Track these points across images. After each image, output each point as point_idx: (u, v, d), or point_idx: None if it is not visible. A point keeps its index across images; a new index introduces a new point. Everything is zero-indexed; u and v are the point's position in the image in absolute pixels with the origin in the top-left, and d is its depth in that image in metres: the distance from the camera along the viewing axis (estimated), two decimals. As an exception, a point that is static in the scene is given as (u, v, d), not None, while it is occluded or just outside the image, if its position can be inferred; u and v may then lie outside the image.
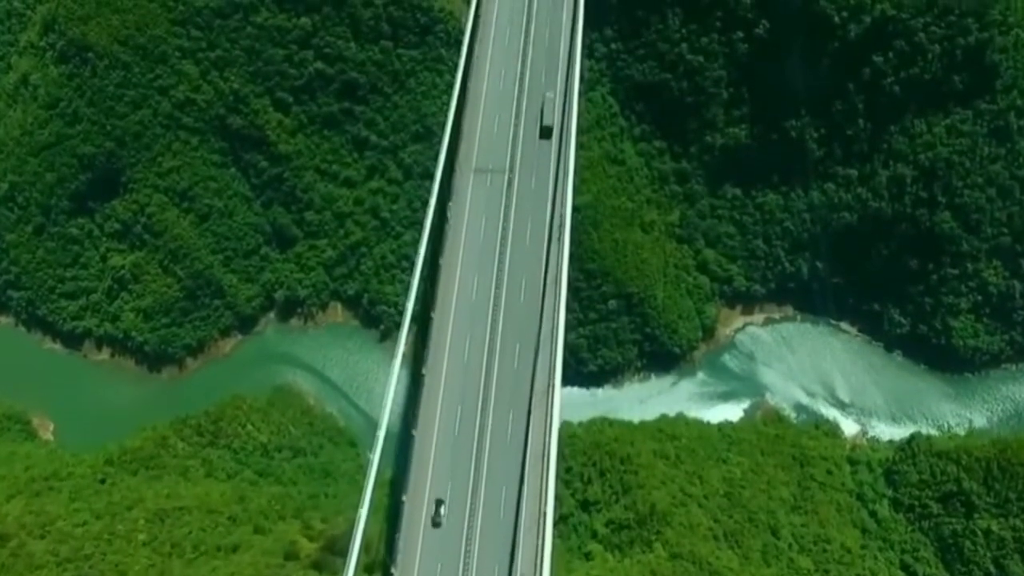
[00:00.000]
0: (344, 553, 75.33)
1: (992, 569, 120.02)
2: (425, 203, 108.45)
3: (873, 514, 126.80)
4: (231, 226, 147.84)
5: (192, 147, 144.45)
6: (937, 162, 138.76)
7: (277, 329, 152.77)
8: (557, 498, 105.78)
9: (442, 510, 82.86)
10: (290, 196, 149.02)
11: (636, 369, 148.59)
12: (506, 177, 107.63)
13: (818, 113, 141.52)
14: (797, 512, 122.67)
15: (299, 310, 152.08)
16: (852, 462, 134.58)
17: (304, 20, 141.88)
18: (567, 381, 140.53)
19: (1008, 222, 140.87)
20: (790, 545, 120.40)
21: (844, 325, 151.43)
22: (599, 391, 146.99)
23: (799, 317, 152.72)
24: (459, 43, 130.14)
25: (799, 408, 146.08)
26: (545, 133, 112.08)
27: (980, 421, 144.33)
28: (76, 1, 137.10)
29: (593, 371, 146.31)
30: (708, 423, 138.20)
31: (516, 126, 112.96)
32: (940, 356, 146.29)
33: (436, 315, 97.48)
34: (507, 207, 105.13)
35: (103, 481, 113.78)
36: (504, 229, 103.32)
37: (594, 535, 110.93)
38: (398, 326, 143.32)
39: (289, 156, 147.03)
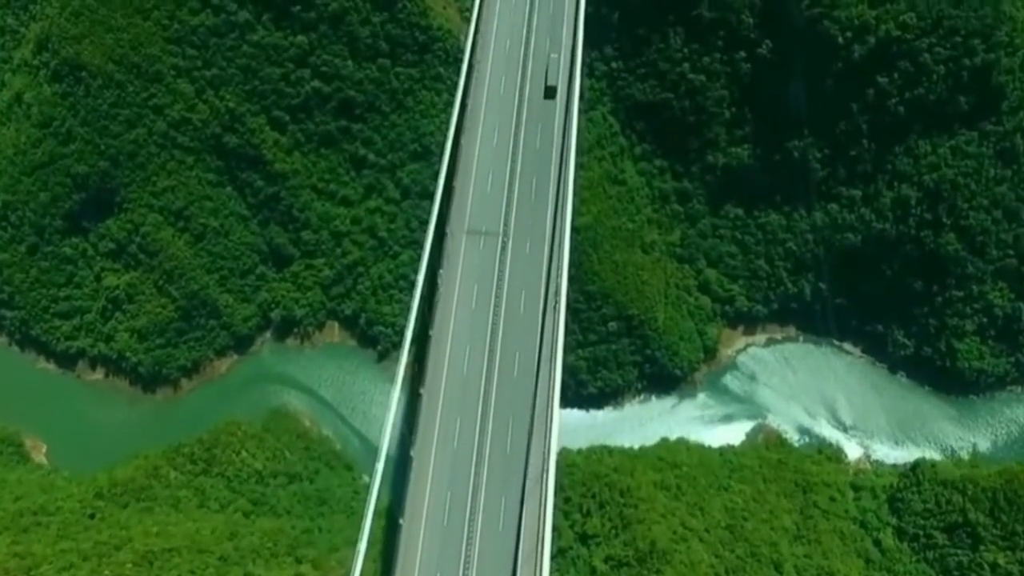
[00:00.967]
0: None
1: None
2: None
3: (877, 543, 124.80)
4: (227, 245, 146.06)
5: (187, 166, 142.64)
6: (942, 183, 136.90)
7: (273, 349, 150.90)
8: (556, 529, 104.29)
9: None
10: (287, 215, 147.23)
11: (637, 391, 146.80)
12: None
13: (821, 133, 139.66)
14: (800, 542, 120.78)
15: (296, 330, 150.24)
16: (855, 488, 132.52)
17: (301, 38, 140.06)
18: (566, 403, 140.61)
19: (1014, 244, 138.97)
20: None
21: (847, 346, 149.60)
22: (599, 413, 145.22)
23: (802, 338, 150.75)
24: (458, 61, 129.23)
25: (801, 430, 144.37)
26: (550, 93, 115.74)
27: (985, 444, 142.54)
28: (70, 20, 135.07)
29: (593, 393, 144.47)
30: (709, 447, 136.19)
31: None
32: (944, 378, 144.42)
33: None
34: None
35: (92, 516, 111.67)
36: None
37: (593, 571, 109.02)
38: (396, 346, 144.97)
39: (286, 175, 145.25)
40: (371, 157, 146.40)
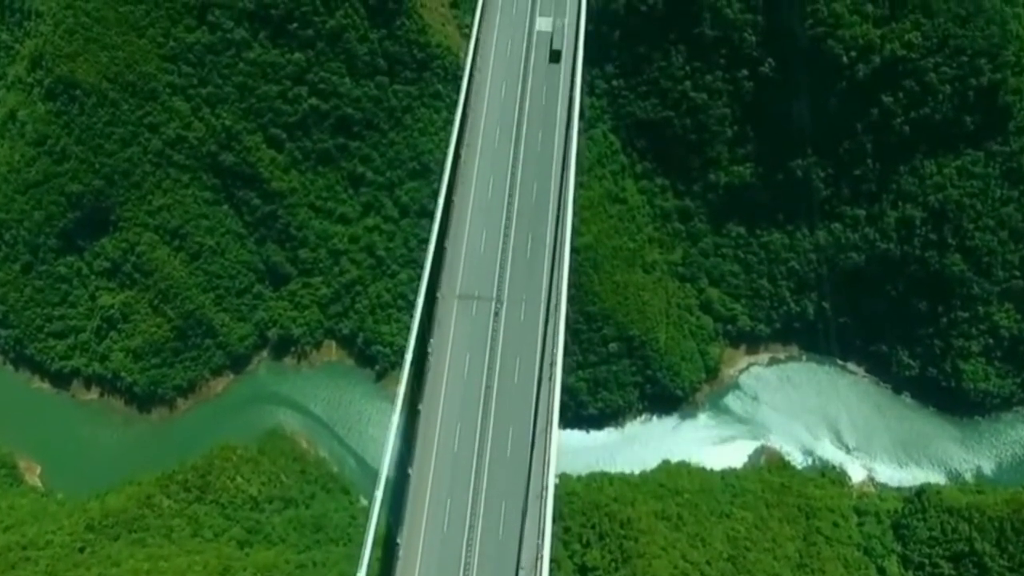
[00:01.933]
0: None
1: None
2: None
3: (882, 571, 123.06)
4: (223, 264, 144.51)
5: (183, 184, 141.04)
6: (947, 204, 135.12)
7: (270, 368, 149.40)
8: (555, 560, 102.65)
9: None
10: (284, 233, 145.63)
11: (638, 412, 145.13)
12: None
13: (825, 152, 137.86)
14: (803, 570, 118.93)
15: (293, 349, 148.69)
16: (859, 512, 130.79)
17: (298, 56, 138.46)
18: (566, 424, 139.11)
19: (1020, 265, 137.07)
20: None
21: (851, 366, 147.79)
22: (600, 434, 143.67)
23: (805, 357, 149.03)
24: (457, 78, 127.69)
25: (804, 451, 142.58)
26: (554, 57, 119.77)
27: (989, 466, 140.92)
28: (64, 38, 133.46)
29: (593, 414, 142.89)
30: (711, 471, 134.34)
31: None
32: (950, 399, 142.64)
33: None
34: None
35: (82, 550, 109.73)
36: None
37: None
38: (394, 366, 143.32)
39: (283, 193, 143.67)
40: (369, 175, 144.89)
